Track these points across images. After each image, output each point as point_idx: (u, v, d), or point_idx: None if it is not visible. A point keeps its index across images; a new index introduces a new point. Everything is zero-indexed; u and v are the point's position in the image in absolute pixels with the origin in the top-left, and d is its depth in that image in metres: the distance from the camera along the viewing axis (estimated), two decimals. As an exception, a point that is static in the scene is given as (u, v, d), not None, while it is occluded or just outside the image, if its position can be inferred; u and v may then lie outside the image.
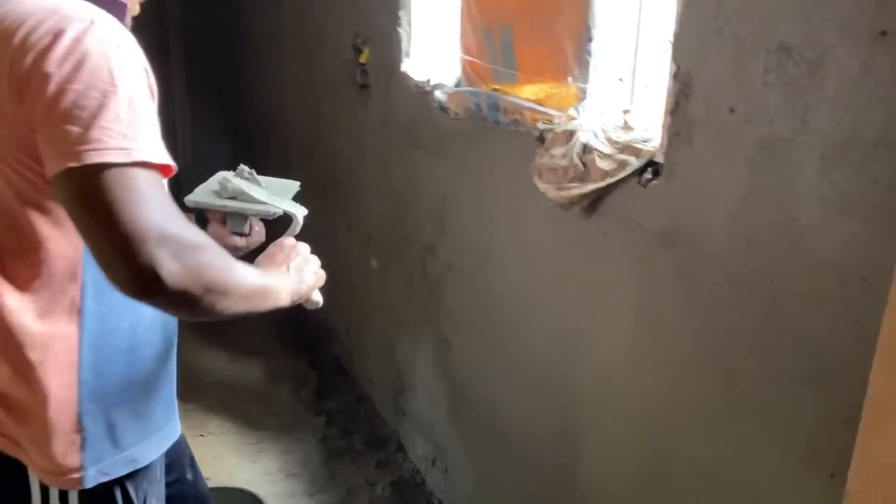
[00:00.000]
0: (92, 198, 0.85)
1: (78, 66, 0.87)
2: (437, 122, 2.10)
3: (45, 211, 1.00)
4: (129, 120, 0.87)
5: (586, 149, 1.49)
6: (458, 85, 1.97)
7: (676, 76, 1.29)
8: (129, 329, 1.10)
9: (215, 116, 4.02)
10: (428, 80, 2.14)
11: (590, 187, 1.47)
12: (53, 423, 1.06)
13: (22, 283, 1.02)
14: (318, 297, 1.24)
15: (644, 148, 1.40)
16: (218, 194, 1.32)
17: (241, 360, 3.22)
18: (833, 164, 1.04)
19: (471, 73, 1.91)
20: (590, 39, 1.50)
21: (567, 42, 1.55)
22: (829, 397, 1.11)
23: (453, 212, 2.14)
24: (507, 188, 1.82)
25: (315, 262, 1.21)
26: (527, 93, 1.70)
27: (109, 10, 0.98)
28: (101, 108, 0.86)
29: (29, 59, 0.88)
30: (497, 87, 1.80)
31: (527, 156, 1.70)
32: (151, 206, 0.85)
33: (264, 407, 2.98)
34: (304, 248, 1.21)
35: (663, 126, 1.35)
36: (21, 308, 1.03)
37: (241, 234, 1.33)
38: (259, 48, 3.62)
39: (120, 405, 1.12)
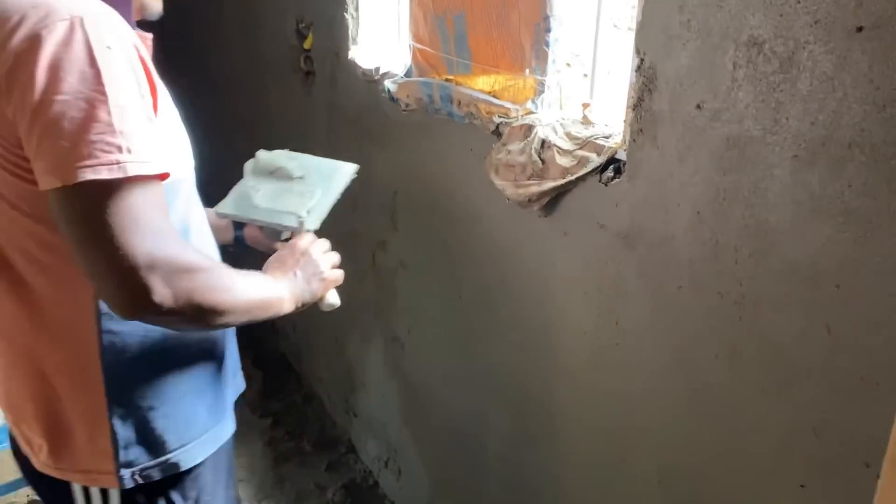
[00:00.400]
0: (83, 217, 0.81)
1: (63, 73, 0.80)
2: (387, 114, 2.01)
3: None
4: (121, 129, 0.81)
5: (545, 144, 1.43)
6: (408, 74, 1.88)
7: (640, 69, 1.23)
8: (149, 330, 1.03)
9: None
10: (376, 69, 2.05)
11: (549, 185, 1.40)
12: (82, 426, 1.03)
13: (41, 285, 0.97)
14: (333, 299, 1.20)
15: (605, 144, 1.35)
16: (247, 203, 1.28)
17: (183, 360, 3.09)
18: (806, 165, 1.00)
19: (422, 62, 1.82)
20: (548, 30, 1.43)
21: (524, 32, 1.48)
22: (798, 405, 1.07)
23: (405, 206, 2.06)
24: (463, 184, 1.75)
25: (328, 262, 1.18)
26: (481, 84, 1.63)
27: (112, 1, 0.91)
28: (89, 118, 0.80)
29: (10, 62, 0.81)
30: (450, 77, 1.72)
31: (482, 151, 1.63)
32: (144, 228, 0.82)
33: (208, 408, 2.86)
34: (318, 248, 1.18)
35: (626, 122, 1.29)
36: (40, 311, 0.98)
37: (283, 241, 1.29)
38: (200, 33, 3.46)
39: (153, 408, 1.06)
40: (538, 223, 1.51)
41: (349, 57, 2.17)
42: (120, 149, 0.81)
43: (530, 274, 1.58)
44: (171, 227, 0.88)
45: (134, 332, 1.02)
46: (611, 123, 1.40)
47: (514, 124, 1.50)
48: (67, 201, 0.82)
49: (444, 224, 1.87)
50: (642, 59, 1.22)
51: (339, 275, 1.21)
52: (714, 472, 1.23)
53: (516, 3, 1.48)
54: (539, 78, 1.49)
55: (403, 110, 1.90)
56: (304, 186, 1.33)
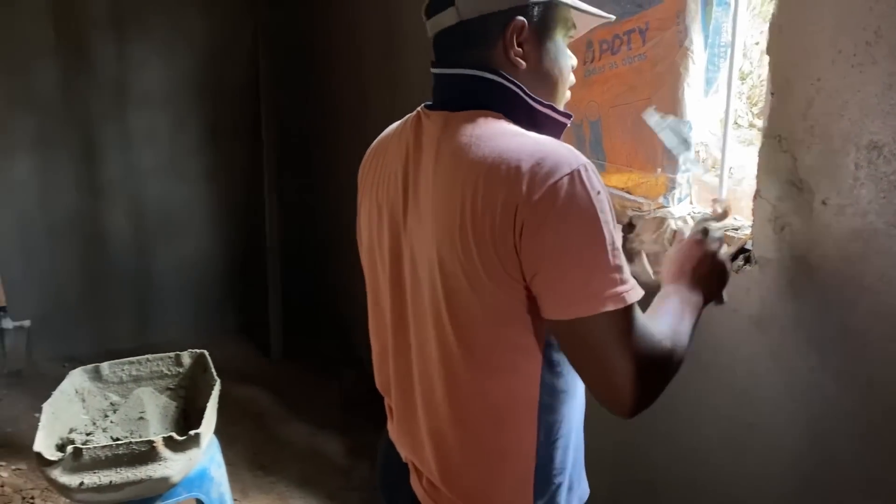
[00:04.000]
0: (588, 343, 0.93)
1: (573, 219, 0.90)
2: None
3: (521, 321, 1.01)
4: (615, 264, 0.91)
5: (677, 236, 1.57)
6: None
7: (767, 168, 1.37)
8: (571, 414, 1.11)
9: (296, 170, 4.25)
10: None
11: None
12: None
13: (495, 370, 1.05)
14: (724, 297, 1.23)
15: (735, 235, 1.47)
16: None
17: (322, 434, 3.30)
18: (929, 255, 1.09)
19: (559, 162, 2.02)
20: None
21: (656, 136, 1.65)
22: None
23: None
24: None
25: (725, 263, 1.21)
26: (616, 181, 1.80)
27: (552, 131, 1.04)
28: (594, 258, 0.91)
29: (528, 208, 0.92)
30: (586, 175, 1.90)
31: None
32: (633, 345, 0.91)
33: (345, 482, 3.03)
34: (711, 248, 1.20)
35: (754, 214, 1.42)
36: (490, 388, 1.06)
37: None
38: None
39: (561, 484, 1.13)
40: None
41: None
42: (616, 282, 0.91)
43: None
44: (649, 330, 0.95)
45: (563, 419, 1.09)
46: (740, 216, 1.53)
47: (647, 217, 1.65)
48: (578, 330, 0.93)
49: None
50: (769, 160, 1.36)
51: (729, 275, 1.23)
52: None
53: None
54: (670, 176, 1.64)
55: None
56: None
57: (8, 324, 3.70)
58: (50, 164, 3.73)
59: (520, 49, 1.03)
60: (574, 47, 1.88)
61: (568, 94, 1.13)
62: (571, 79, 1.12)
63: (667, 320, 1.03)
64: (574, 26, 1.10)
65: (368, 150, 1.23)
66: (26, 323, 3.75)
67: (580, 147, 1.91)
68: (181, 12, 3.81)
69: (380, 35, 3.05)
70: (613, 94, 1.77)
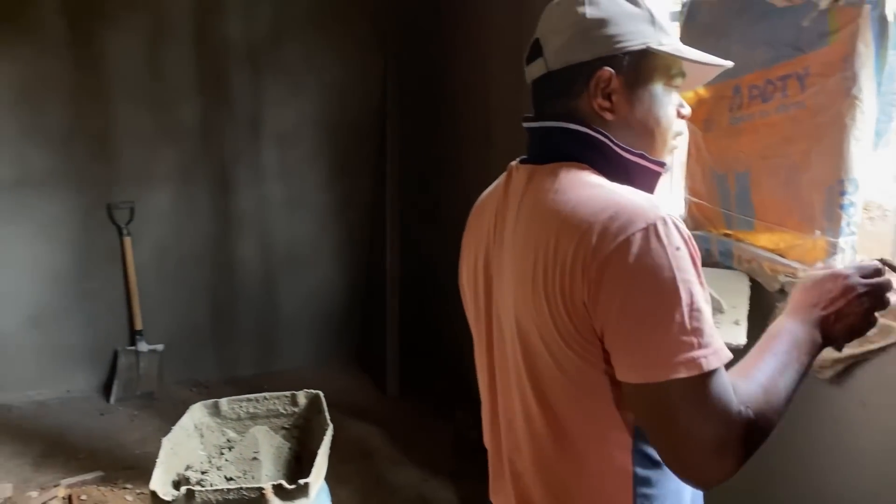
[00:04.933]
0: (661, 409, 0.87)
1: (645, 277, 0.86)
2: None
3: (600, 385, 0.96)
4: (693, 327, 0.85)
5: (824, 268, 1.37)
6: (682, 226, 1.92)
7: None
8: (677, 489, 1.02)
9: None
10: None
11: (846, 353, 1.33)
12: None
13: (582, 440, 0.99)
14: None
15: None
16: None
17: (434, 480, 3.22)
18: None
19: (697, 214, 1.86)
20: (843, 193, 1.41)
21: (814, 194, 1.47)
22: None
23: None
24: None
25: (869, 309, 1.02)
26: (764, 241, 1.62)
27: (643, 183, 1.00)
28: (669, 320, 0.85)
29: (597, 268, 0.88)
30: (729, 232, 1.73)
31: (763, 309, 1.59)
32: (713, 414, 0.85)
33: (456, 531, 2.94)
34: (855, 285, 1.01)
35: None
36: (581, 464, 1.00)
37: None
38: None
39: None
40: (829, 390, 1.43)
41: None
42: (693, 346, 0.84)
43: (819, 443, 1.48)
44: (729, 398, 0.87)
45: (666, 495, 1.00)
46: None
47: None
48: (647, 395, 0.87)
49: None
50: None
51: (875, 320, 1.04)
52: None
53: (808, 165, 1.48)
54: (831, 240, 1.45)
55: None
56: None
57: (143, 347, 3.88)
58: (187, 196, 3.90)
59: (606, 101, 1.00)
60: (718, 92, 1.74)
61: (674, 143, 1.08)
62: (677, 127, 1.07)
63: (761, 377, 0.92)
64: (682, 74, 1.05)
65: (474, 206, 1.22)
66: (159, 347, 3.92)
67: (724, 201, 1.74)
68: (314, 51, 3.92)
69: (508, 73, 2.99)
70: (764, 145, 1.60)
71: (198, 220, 3.94)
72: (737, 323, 1.48)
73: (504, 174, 1.12)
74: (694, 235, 1.82)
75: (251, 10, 3.79)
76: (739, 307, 1.52)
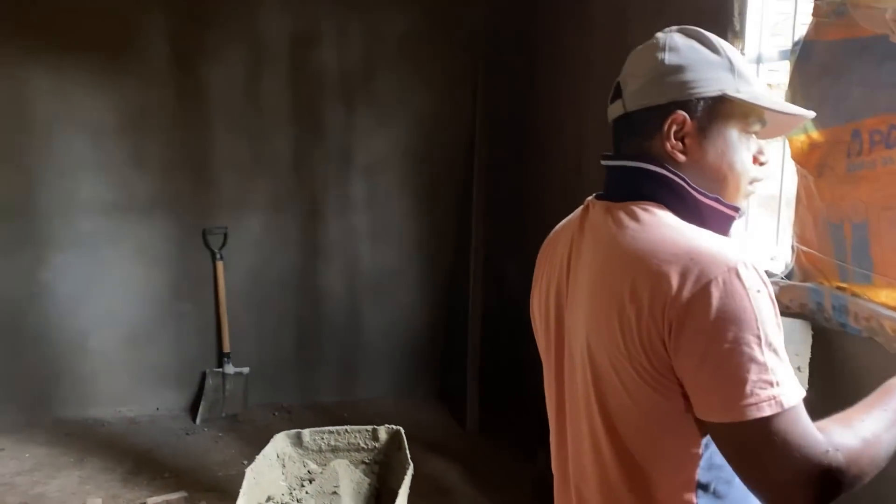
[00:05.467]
0: (743, 446, 0.89)
1: (726, 321, 0.88)
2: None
3: (673, 422, 0.98)
4: (773, 366, 0.88)
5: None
6: (789, 276, 1.81)
7: None
8: None
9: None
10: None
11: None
12: None
13: (647, 469, 1.01)
14: None
15: None
16: None
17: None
18: None
19: (807, 265, 1.74)
20: (980, 250, 1.28)
21: (946, 249, 1.35)
22: None
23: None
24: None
25: None
26: (885, 298, 1.50)
27: (717, 227, 1.02)
28: (750, 361, 0.87)
29: (680, 310, 0.90)
30: (844, 286, 1.61)
31: (885, 371, 1.46)
32: (794, 449, 0.87)
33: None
34: None
35: None
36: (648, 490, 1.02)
37: None
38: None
39: None
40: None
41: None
42: (772, 384, 0.87)
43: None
44: (818, 437, 0.89)
45: None
46: None
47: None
48: (729, 433, 0.90)
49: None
50: None
51: None
52: None
53: (938, 219, 1.36)
54: (965, 301, 1.32)
55: (783, 313, 1.81)
56: None
57: (230, 369, 3.97)
58: (278, 223, 3.99)
59: (679, 143, 1.03)
60: (835, 136, 1.63)
61: (750, 189, 1.09)
62: (754, 174, 1.09)
63: (863, 427, 0.92)
64: (761, 121, 1.06)
65: (547, 238, 1.24)
66: (245, 370, 4.00)
67: (838, 252, 1.63)
68: (405, 83, 3.96)
69: (603, 108, 2.92)
70: (887, 195, 1.48)
71: (287, 247, 4.02)
72: (799, 369, 1.53)
73: (580, 208, 1.16)
74: (805, 287, 1.72)
75: (345, 44, 3.88)
76: (802, 355, 1.60)
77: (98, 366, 3.92)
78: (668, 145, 1.03)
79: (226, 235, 3.92)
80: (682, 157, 1.04)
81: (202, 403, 3.91)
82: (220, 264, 3.92)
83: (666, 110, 1.03)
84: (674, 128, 1.03)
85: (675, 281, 0.91)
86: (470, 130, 4.00)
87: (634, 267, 0.95)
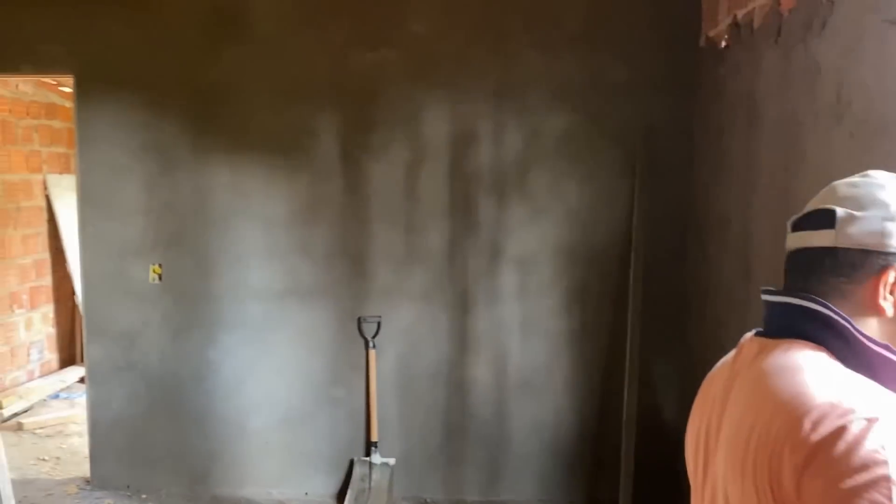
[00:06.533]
0: None
1: (855, 471, 0.85)
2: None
3: None
4: None
5: None
6: None
7: None
8: None
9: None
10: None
11: None
12: None
13: None
14: None
15: None
16: None
17: None
18: None
19: None
20: None
21: None
22: None
23: None
24: None
25: None
26: None
27: (888, 378, 0.97)
28: None
29: (804, 451, 0.89)
30: None
31: None
32: None
33: None
34: None
35: None
36: None
37: None
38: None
39: None
40: None
41: None
42: None
43: None
44: None
45: None
46: None
47: None
48: None
49: None
50: None
51: None
52: None
53: None
54: None
55: None
56: None
57: (377, 459, 3.98)
58: (428, 314, 4.03)
59: (891, 295, 0.98)
60: None
61: None
62: None
63: None
64: None
65: (707, 374, 1.22)
66: (391, 460, 3.99)
67: None
68: (560, 178, 3.94)
69: (776, 214, 2.74)
70: None
71: (436, 338, 4.04)
72: None
73: (736, 347, 1.12)
74: None
75: (502, 142, 3.94)
76: None
77: (255, 446, 4.07)
78: (880, 297, 0.98)
79: (379, 324, 4.00)
80: (890, 312, 0.98)
81: (349, 492, 3.93)
82: (372, 352, 4.00)
83: (889, 258, 0.98)
84: (893, 280, 0.98)
85: (807, 423, 0.88)
86: (625, 226, 3.89)
87: (772, 408, 0.93)
